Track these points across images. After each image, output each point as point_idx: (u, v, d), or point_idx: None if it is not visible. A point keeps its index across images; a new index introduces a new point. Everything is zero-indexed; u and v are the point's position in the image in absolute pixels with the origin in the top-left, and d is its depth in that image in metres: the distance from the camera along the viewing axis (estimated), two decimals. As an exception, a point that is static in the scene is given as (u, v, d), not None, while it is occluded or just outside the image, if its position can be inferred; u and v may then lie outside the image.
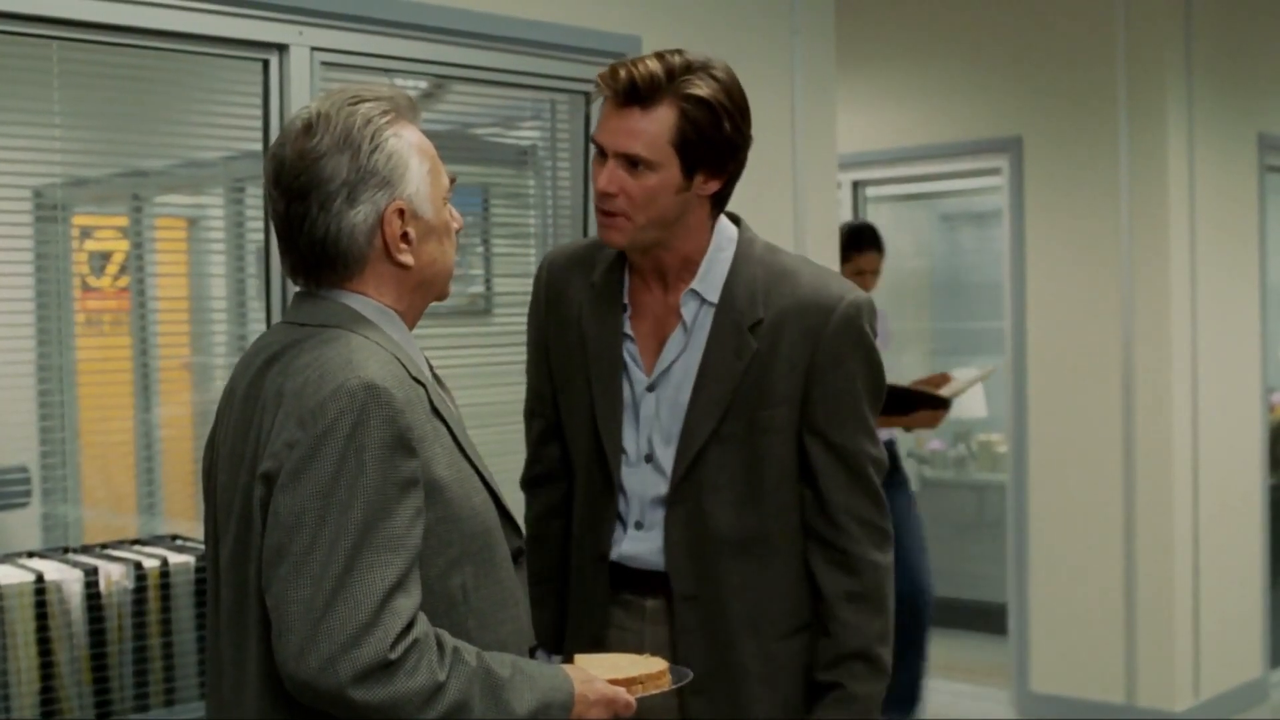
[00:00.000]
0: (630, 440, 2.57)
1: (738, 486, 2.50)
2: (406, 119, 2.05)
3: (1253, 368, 6.76)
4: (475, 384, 3.92)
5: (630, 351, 2.58)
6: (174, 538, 3.46)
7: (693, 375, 2.50)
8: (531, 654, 2.14)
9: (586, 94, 4.10)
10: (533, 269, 4.24)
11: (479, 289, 4.29)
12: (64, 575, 3.05)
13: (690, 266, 2.53)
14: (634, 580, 2.58)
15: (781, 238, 4.48)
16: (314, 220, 1.99)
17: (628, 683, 2.12)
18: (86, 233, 4.07)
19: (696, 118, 2.38)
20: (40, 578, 3.02)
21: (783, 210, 4.57)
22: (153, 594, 3.16)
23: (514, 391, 4.11)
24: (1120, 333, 6.27)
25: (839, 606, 2.51)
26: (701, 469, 2.50)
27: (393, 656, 1.81)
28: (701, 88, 2.39)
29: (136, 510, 4.18)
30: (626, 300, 2.58)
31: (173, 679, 3.16)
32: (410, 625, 1.85)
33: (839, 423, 2.50)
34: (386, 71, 3.68)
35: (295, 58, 3.39)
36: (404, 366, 1.97)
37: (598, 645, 2.57)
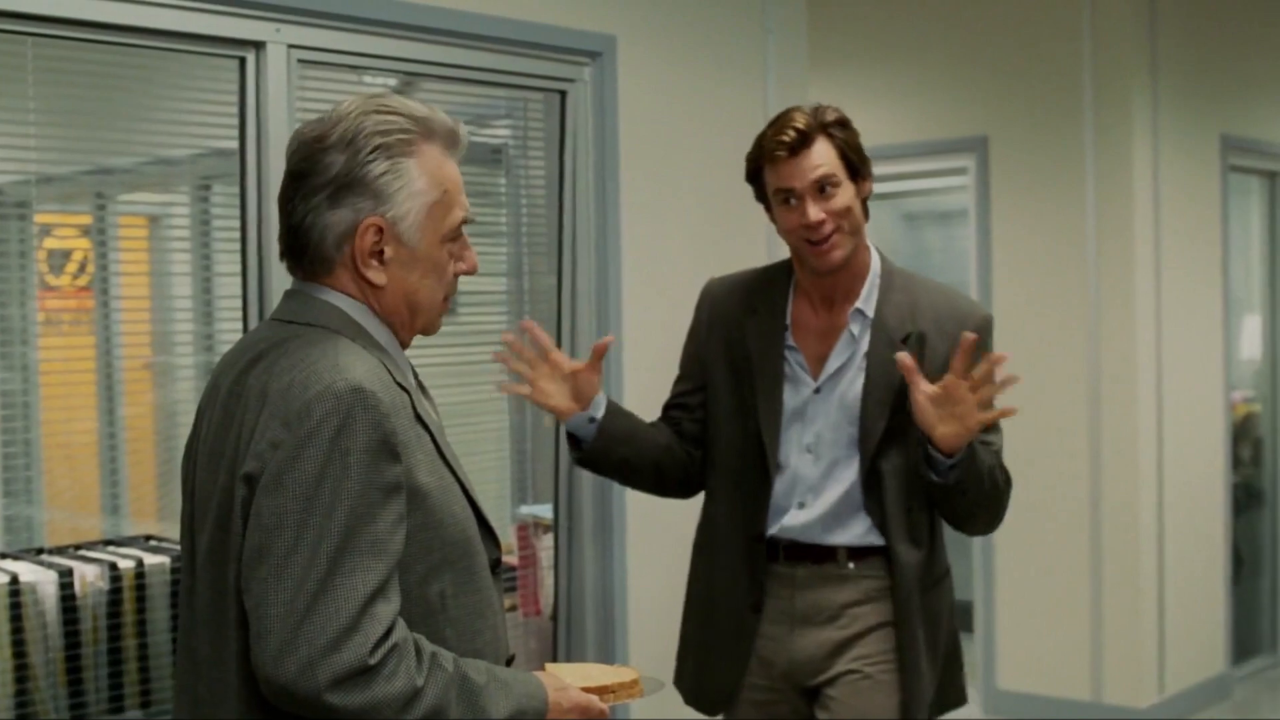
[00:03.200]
0: (795, 436, 3.07)
1: (902, 477, 3.03)
2: (437, 145, 2.03)
3: (1216, 367, 6.81)
4: (443, 383, 3.91)
5: (798, 361, 3.08)
6: (148, 538, 3.44)
7: (860, 380, 3.02)
8: (508, 665, 2.12)
9: (561, 92, 4.09)
10: (504, 267, 4.25)
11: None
12: (39, 577, 3.03)
13: (856, 285, 3.05)
14: (785, 553, 3.08)
15: (754, 237, 4.48)
16: (296, 206, 1.99)
17: (600, 691, 2.14)
18: (46, 230, 4.02)
19: (842, 136, 2.98)
20: (15, 579, 2.99)
21: (755, 209, 4.56)
22: (128, 595, 3.14)
23: (481, 391, 4.11)
24: (1085, 332, 6.30)
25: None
26: (880, 459, 3.01)
27: (372, 661, 1.80)
28: (832, 114, 3.00)
29: (101, 511, 4.15)
30: (788, 321, 3.09)
31: (148, 680, 3.14)
32: (390, 630, 1.83)
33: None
34: (363, 69, 3.67)
35: (272, 55, 3.37)
36: (389, 372, 1.96)
37: (757, 610, 3.08)
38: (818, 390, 3.06)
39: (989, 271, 6.61)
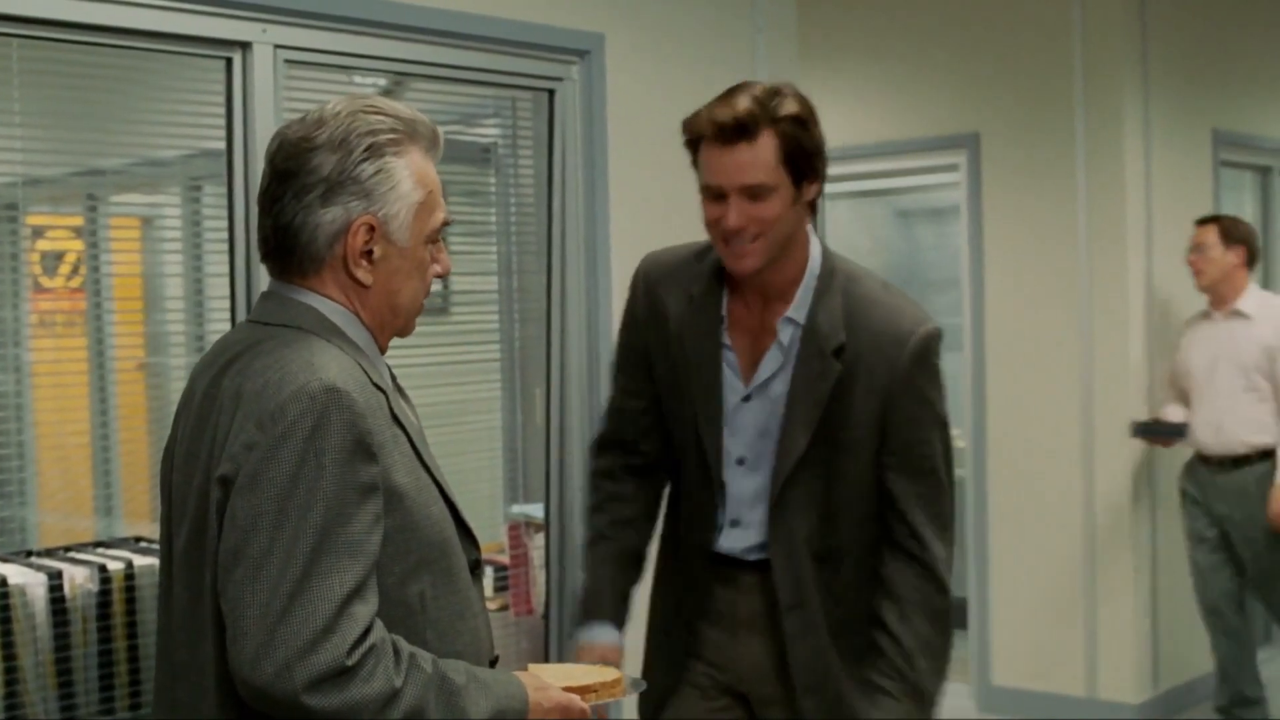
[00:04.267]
0: (726, 445, 2.77)
1: (819, 503, 2.73)
2: (419, 147, 2.04)
3: (1208, 362, 6.80)
4: (433, 383, 3.91)
5: (729, 361, 2.77)
6: (137, 540, 3.43)
7: (784, 396, 2.72)
8: (492, 666, 2.12)
9: (550, 91, 4.09)
10: (494, 266, 4.25)
11: (437, 287, 4.27)
12: (28, 579, 3.02)
13: (790, 288, 2.73)
14: (730, 560, 2.82)
15: (744, 235, 4.48)
16: (285, 206, 1.98)
17: (582, 690, 2.13)
18: (39, 232, 4.02)
19: (792, 134, 2.60)
20: (4, 581, 2.99)
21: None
22: (117, 597, 3.13)
23: (471, 390, 4.11)
24: (1078, 328, 6.30)
25: (906, 610, 2.73)
26: (791, 489, 2.72)
27: (349, 663, 1.79)
28: (789, 106, 2.62)
29: (94, 512, 4.14)
30: (724, 313, 2.77)
31: (138, 683, 3.14)
32: (367, 631, 1.83)
33: (915, 445, 2.72)
34: (350, 69, 3.67)
35: (259, 56, 3.37)
36: (365, 373, 1.95)
37: (704, 614, 2.84)
38: (747, 398, 2.76)
39: (981, 268, 6.61)
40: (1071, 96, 6.30)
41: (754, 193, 2.59)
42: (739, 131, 2.57)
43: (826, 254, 2.77)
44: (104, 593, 3.10)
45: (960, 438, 7.26)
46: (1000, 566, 6.58)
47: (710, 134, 2.60)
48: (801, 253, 2.74)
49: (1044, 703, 6.41)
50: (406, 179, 2.01)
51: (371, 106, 2.01)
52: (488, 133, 4.23)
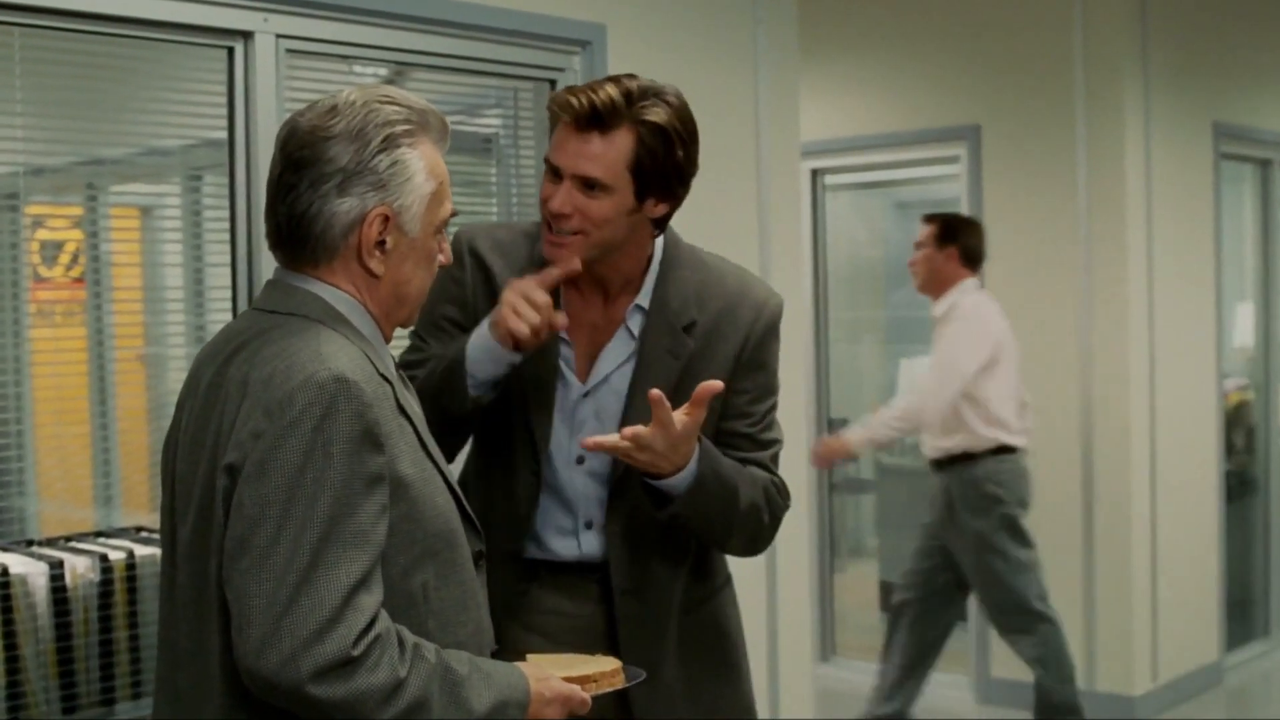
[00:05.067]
0: (561, 444, 2.62)
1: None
2: (430, 139, 2.05)
3: (1208, 355, 6.82)
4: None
5: (565, 358, 2.62)
6: (138, 530, 3.43)
7: (629, 373, 2.58)
8: (493, 657, 2.12)
9: (551, 81, 4.08)
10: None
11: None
12: (29, 569, 3.02)
13: (633, 282, 2.60)
14: (563, 569, 2.65)
15: (745, 226, 4.48)
16: (300, 195, 1.98)
17: (582, 680, 2.14)
18: (38, 222, 4.02)
19: (652, 144, 2.44)
20: (5, 571, 2.99)
21: (746, 198, 4.56)
22: (119, 587, 3.13)
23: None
24: (1077, 320, 6.31)
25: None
26: (633, 470, 2.50)
27: (355, 653, 1.80)
28: (659, 114, 2.44)
29: (93, 502, 4.14)
30: (560, 306, 2.57)
31: (139, 672, 3.14)
32: (373, 622, 1.83)
33: (761, 414, 2.66)
34: (352, 59, 3.66)
35: (260, 45, 3.37)
36: (372, 362, 1.96)
37: (529, 631, 2.61)
38: (586, 394, 2.60)
39: (981, 260, 6.60)
40: (1072, 89, 6.30)
41: (589, 186, 2.44)
42: (593, 120, 2.42)
43: (669, 235, 2.63)
44: (105, 582, 3.10)
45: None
46: (999, 558, 6.58)
47: (566, 115, 2.45)
48: (637, 255, 2.59)
49: (1043, 695, 6.41)
50: (420, 170, 2.01)
51: (386, 97, 2.02)
52: (489, 123, 4.22)
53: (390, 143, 1.98)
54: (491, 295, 2.58)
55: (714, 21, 4.53)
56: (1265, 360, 7.69)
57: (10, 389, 3.47)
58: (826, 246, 7.43)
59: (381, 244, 2.00)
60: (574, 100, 2.44)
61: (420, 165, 2.01)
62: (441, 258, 2.11)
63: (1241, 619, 7.33)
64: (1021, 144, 6.48)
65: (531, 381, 2.60)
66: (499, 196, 4.22)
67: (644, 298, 2.60)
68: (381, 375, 1.96)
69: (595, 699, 2.15)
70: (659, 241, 2.63)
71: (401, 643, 1.87)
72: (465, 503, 2.09)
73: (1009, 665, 6.53)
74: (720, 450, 2.58)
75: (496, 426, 2.64)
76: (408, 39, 3.70)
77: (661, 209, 2.53)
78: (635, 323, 2.60)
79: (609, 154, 2.43)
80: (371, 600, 1.84)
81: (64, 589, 3.05)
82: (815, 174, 7.23)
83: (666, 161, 2.46)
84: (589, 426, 2.60)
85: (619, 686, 2.22)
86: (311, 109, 2.02)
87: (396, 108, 2.01)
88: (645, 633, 2.64)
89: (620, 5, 4.23)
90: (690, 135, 2.50)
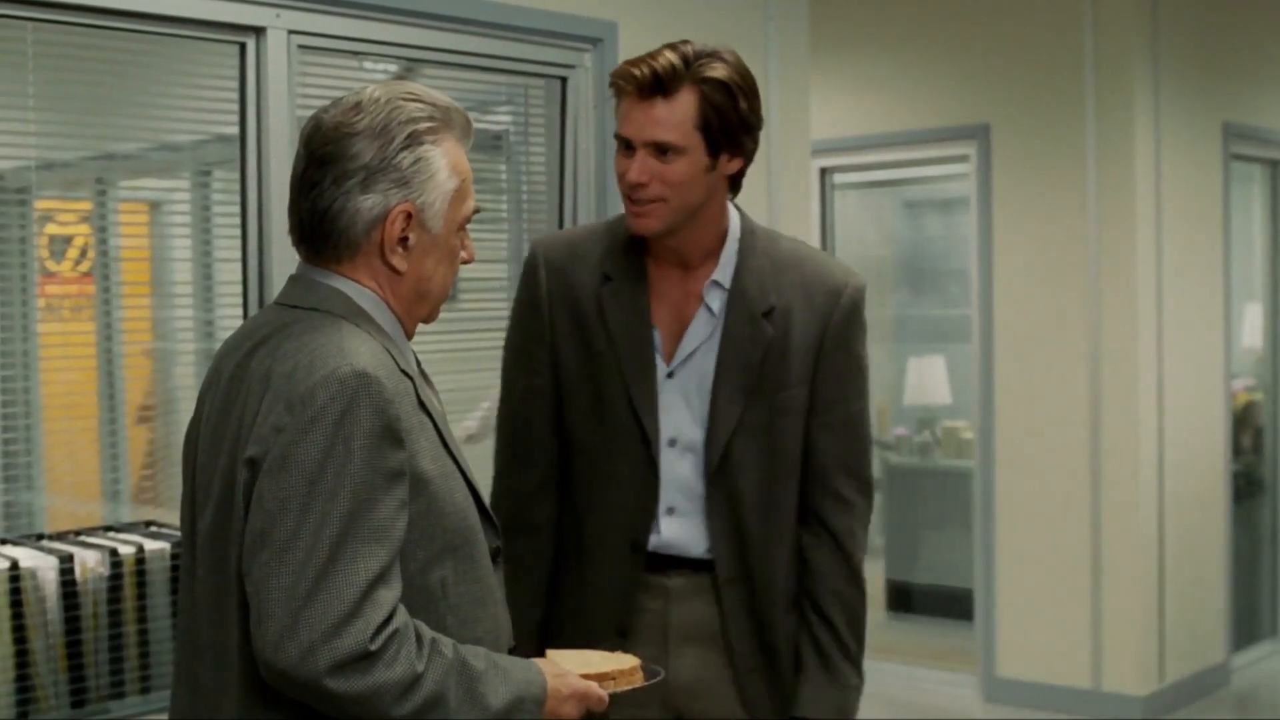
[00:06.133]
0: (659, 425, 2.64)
1: (763, 470, 2.62)
2: (453, 136, 2.05)
3: (1217, 354, 6.81)
4: (443, 370, 3.90)
5: (653, 339, 2.64)
6: (148, 524, 3.44)
7: (714, 363, 2.61)
8: (511, 654, 2.12)
9: (562, 79, 4.09)
10: (504, 255, 4.24)
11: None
12: (39, 563, 3.03)
13: (713, 254, 2.63)
14: (656, 564, 2.66)
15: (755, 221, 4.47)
16: (324, 191, 1.98)
17: (600, 678, 2.13)
18: (47, 217, 4.02)
19: (716, 100, 2.49)
20: (15, 565, 2.99)
21: (756, 197, 4.56)
22: (128, 581, 3.14)
23: (482, 378, 4.10)
24: (1086, 320, 6.30)
25: (828, 583, 2.69)
26: (731, 456, 2.60)
27: (373, 647, 1.80)
28: (718, 70, 2.49)
29: (102, 496, 4.15)
30: (648, 286, 2.64)
31: (148, 666, 3.14)
32: (391, 616, 1.84)
33: (843, 400, 2.66)
34: (363, 55, 3.66)
35: (272, 41, 3.37)
36: (393, 357, 1.96)
37: (623, 632, 2.64)
38: (670, 375, 2.63)
39: (990, 259, 6.60)
40: (1082, 88, 6.29)
41: (661, 150, 2.49)
42: (655, 86, 2.48)
43: (744, 219, 2.69)
44: (115, 577, 3.11)
45: (967, 428, 7.27)
46: (1006, 558, 6.59)
47: (623, 83, 2.52)
48: (718, 220, 2.63)
49: (1049, 695, 6.41)
50: (443, 167, 2.01)
51: (410, 94, 2.02)
52: (500, 120, 4.22)
53: (414, 140, 1.98)
54: (570, 303, 2.66)
55: (725, 19, 4.53)
56: (1273, 361, 7.68)
57: (19, 384, 3.47)
58: (836, 245, 7.43)
59: (404, 241, 2.00)
60: (635, 71, 2.49)
61: (443, 162, 2.01)
62: (464, 254, 2.10)
63: (1248, 619, 7.32)
64: (1031, 143, 6.47)
65: (632, 371, 2.62)
66: (509, 193, 4.23)
67: (721, 273, 2.62)
68: (403, 371, 1.96)
69: (614, 697, 2.14)
70: (736, 222, 2.66)
71: (419, 638, 1.87)
72: (483, 499, 2.10)
73: (1015, 664, 6.54)
74: (807, 441, 2.64)
75: (595, 420, 2.67)
76: (420, 35, 3.70)
77: (735, 164, 2.57)
78: (714, 299, 2.62)
79: (675, 115, 2.48)
80: (390, 595, 1.84)
81: (73, 583, 3.05)
82: (824, 172, 7.23)
83: (731, 115, 2.51)
84: (676, 408, 2.64)
85: (637, 685, 2.21)
86: (336, 105, 2.02)
87: (420, 105, 2.01)
88: (754, 625, 2.66)
89: (631, 2, 4.23)
90: (751, 88, 2.55)
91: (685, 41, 2.54)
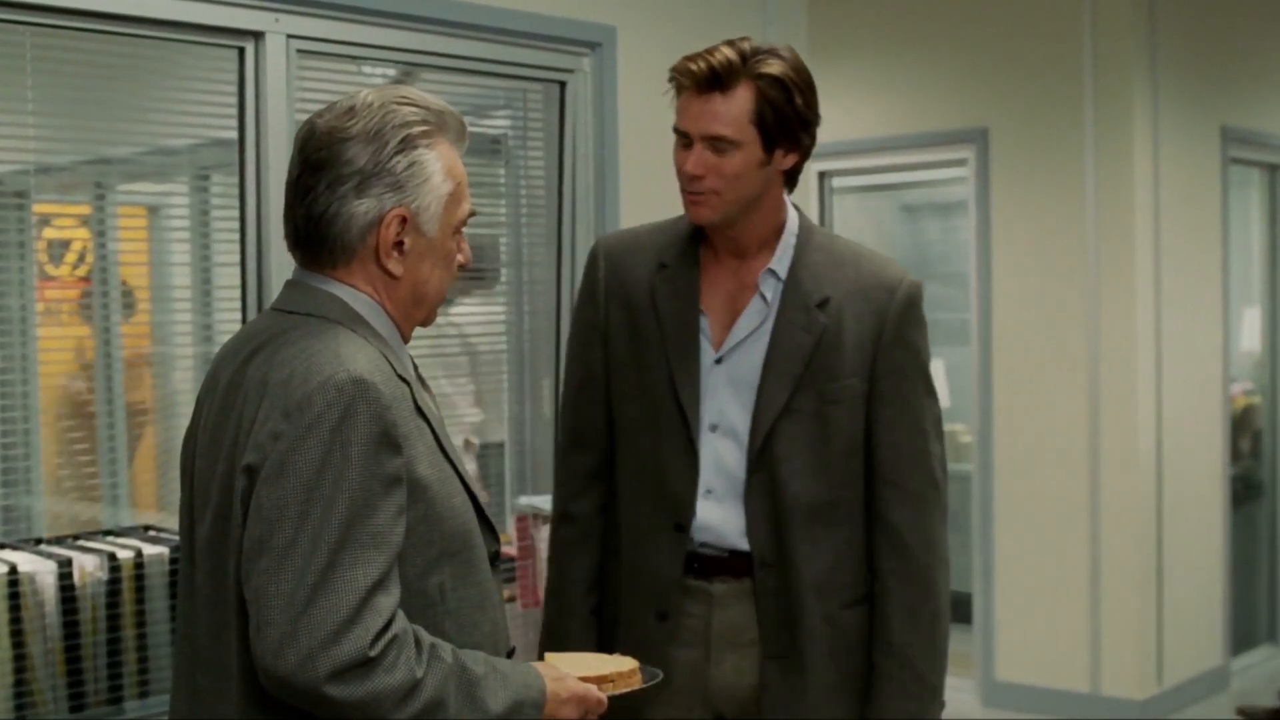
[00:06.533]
0: (701, 412, 2.70)
1: (808, 457, 2.65)
2: (448, 138, 2.05)
3: (1216, 358, 6.81)
4: (442, 373, 3.91)
5: (701, 325, 2.70)
6: (146, 529, 3.43)
7: (764, 350, 2.66)
8: (508, 658, 2.13)
9: (561, 83, 4.09)
10: (503, 258, 4.24)
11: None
12: (37, 567, 3.02)
13: (769, 244, 2.70)
14: (700, 565, 2.71)
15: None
16: (318, 196, 1.98)
17: (599, 680, 2.14)
18: (45, 220, 4.02)
19: (772, 95, 2.56)
20: (13, 569, 2.99)
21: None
22: (127, 585, 3.14)
23: (480, 381, 4.11)
24: (1085, 323, 6.30)
25: (889, 582, 2.69)
26: (775, 441, 2.64)
27: (372, 653, 1.80)
28: (774, 67, 2.56)
29: (100, 501, 4.14)
30: (700, 273, 2.72)
31: (147, 671, 3.14)
32: (390, 622, 1.84)
33: (904, 395, 2.68)
34: (362, 60, 3.66)
35: (271, 45, 3.37)
36: (390, 363, 1.96)
37: (664, 621, 2.70)
38: (719, 360, 2.69)
39: (988, 263, 6.61)
40: (1081, 93, 6.30)
41: (717, 144, 2.57)
42: (713, 81, 2.55)
43: (803, 216, 2.75)
44: (113, 581, 3.10)
45: (965, 432, 7.27)
46: (1005, 561, 6.59)
47: (683, 78, 2.59)
48: (774, 213, 2.69)
49: (1048, 698, 6.41)
50: (438, 171, 2.01)
51: (404, 98, 2.02)
52: (498, 124, 4.22)
53: (408, 144, 1.98)
54: (624, 294, 2.76)
55: (724, 23, 4.52)
56: (1272, 364, 7.69)
57: (18, 387, 3.47)
58: (833, 248, 7.41)
59: (399, 245, 2.00)
60: (693, 66, 2.56)
61: (438, 166, 2.01)
62: (460, 258, 2.10)
63: (1247, 623, 7.32)
64: (1030, 147, 6.48)
65: (677, 354, 2.70)
66: (508, 198, 4.22)
67: (778, 263, 2.68)
68: (400, 376, 1.96)
69: (613, 699, 2.14)
70: (794, 217, 2.72)
71: (418, 643, 1.87)
72: (481, 504, 2.10)
73: (1014, 668, 6.54)
74: (869, 436, 2.67)
75: (641, 403, 2.74)
76: (418, 40, 3.70)
77: (791, 159, 2.64)
78: (769, 288, 2.68)
79: (732, 110, 2.55)
80: (389, 601, 1.84)
81: (72, 587, 3.05)
82: (823, 176, 7.23)
83: (787, 110, 2.57)
84: (721, 394, 2.69)
85: (636, 687, 2.21)
86: (330, 110, 2.02)
87: (414, 108, 2.01)
88: (781, 614, 2.67)
89: (630, 7, 4.23)
90: (807, 84, 2.62)
91: (744, 38, 2.61)
